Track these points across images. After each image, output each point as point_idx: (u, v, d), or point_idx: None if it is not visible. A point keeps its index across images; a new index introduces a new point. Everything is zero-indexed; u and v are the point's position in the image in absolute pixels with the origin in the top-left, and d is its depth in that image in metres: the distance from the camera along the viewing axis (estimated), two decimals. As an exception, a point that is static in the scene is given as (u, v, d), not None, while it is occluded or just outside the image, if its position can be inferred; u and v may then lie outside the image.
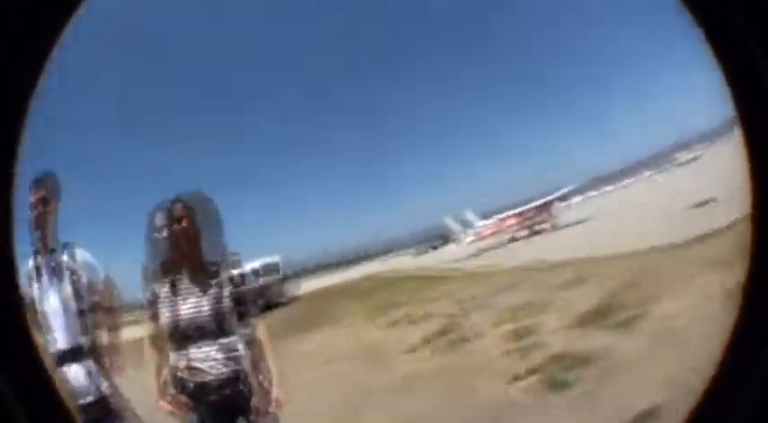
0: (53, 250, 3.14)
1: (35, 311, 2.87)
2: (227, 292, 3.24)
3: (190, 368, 3.12)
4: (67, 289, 3.08)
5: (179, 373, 3.15)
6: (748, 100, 1.28)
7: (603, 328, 6.26)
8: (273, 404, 3.21)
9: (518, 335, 7.17)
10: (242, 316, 3.28)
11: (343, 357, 9.12)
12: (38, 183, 3.03)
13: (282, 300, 19.39)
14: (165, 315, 3.17)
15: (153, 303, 3.22)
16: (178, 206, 3.22)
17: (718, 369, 1.28)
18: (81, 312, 3.07)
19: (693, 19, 1.35)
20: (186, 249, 3.22)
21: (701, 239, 8.56)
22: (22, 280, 2.75)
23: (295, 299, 21.55)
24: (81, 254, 3.23)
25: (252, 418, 3.22)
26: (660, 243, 9.63)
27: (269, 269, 19.63)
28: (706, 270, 6.79)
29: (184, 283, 3.22)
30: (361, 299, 19.84)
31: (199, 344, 3.13)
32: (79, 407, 2.82)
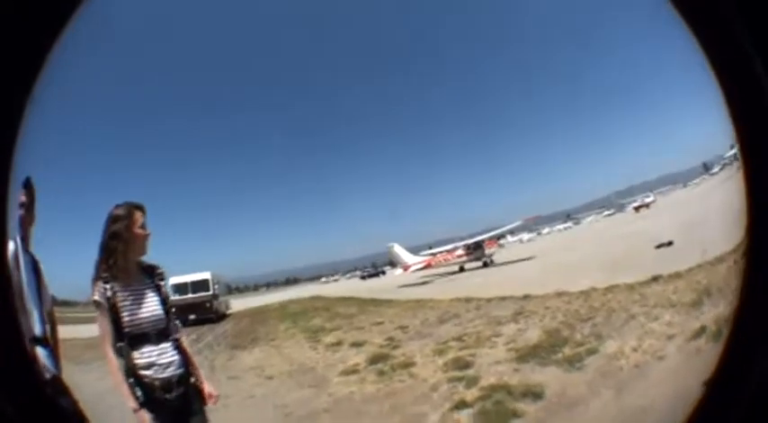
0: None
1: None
2: (164, 290, 3.35)
3: (153, 366, 3.14)
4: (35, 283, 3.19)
5: (142, 372, 3.14)
6: (748, 118, 1.26)
7: (543, 364, 6.29)
8: (210, 399, 3.30)
9: (459, 364, 7.12)
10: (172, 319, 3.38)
11: (278, 376, 8.98)
12: (24, 187, 3.15)
13: (212, 316, 19.08)
14: (125, 316, 3.15)
15: (107, 306, 3.17)
16: (127, 209, 3.25)
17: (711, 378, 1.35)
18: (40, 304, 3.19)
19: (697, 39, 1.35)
20: (136, 252, 3.25)
21: (644, 282, 8.94)
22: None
23: (226, 316, 21.14)
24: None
25: (195, 418, 3.27)
26: (601, 283, 9.93)
27: (198, 285, 19.40)
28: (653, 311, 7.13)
29: (136, 284, 3.24)
30: (299, 319, 19.63)
31: (156, 342, 3.17)
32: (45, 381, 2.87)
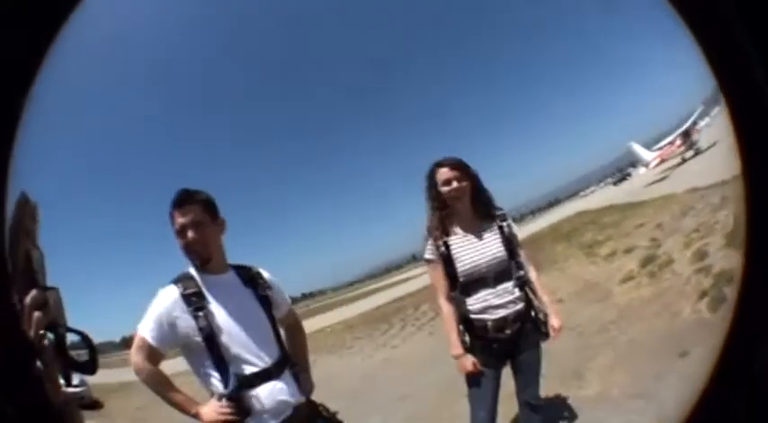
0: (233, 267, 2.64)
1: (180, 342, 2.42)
2: (506, 230, 3.28)
3: (488, 308, 3.15)
4: (261, 305, 2.60)
5: (476, 316, 3.19)
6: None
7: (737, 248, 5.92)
8: (553, 332, 3.27)
9: (700, 255, 7.35)
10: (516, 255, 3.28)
11: (567, 297, 9.41)
12: (183, 203, 2.47)
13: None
14: (458, 266, 3.18)
15: (441, 257, 3.22)
16: (429, 171, 3.28)
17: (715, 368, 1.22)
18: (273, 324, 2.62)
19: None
20: (456, 204, 3.23)
21: None
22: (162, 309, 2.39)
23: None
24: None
25: (529, 352, 3.28)
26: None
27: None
28: None
29: (473, 231, 3.25)
30: (570, 238, 20.07)
31: (494, 285, 3.16)
32: (296, 409, 2.51)
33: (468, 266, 3.17)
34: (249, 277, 2.62)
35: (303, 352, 2.88)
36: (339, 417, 2.73)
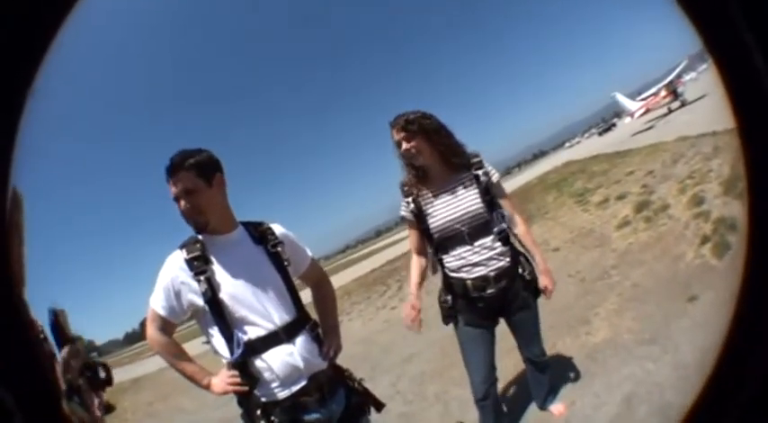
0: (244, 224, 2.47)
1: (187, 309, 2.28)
2: (483, 179, 3.06)
3: (465, 266, 3.00)
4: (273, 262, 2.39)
5: (451, 274, 3.06)
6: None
7: (736, 196, 6.07)
8: (545, 292, 3.15)
9: (697, 201, 7.33)
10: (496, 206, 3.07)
11: (565, 245, 9.53)
12: (176, 170, 2.28)
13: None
14: (431, 223, 3.04)
15: (414, 215, 3.10)
16: (394, 127, 3.07)
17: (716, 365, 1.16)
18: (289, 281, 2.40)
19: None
20: (418, 161, 3.05)
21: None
22: (167, 277, 2.26)
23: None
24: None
25: (522, 312, 3.17)
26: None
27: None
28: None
29: (447, 185, 3.07)
30: (560, 188, 20.23)
31: (472, 241, 2.99)
32: (311, 378, 2.32)
33: (439, 223, 3.04)
34: (259, 234, 2.45)
35: (330, 311, 2.74)
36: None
